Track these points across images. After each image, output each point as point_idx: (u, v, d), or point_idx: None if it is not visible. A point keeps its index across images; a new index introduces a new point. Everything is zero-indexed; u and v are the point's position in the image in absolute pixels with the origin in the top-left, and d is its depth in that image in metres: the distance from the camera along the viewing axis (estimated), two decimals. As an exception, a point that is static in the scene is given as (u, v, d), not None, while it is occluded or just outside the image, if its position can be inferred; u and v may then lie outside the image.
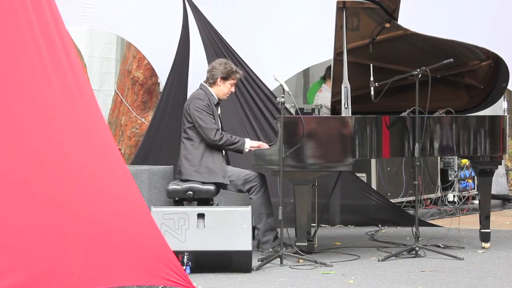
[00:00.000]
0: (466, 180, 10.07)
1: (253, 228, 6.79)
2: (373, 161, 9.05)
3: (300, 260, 6.43)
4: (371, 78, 6.83)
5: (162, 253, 4.83)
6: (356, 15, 6.99)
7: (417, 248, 6.64)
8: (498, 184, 10.47)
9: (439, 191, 9.78)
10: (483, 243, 7.11)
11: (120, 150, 9.14)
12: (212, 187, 6.74)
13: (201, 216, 6.14)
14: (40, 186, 4.48)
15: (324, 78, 9.54)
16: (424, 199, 9.51)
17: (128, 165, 7.47)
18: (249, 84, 8.04)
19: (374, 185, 9.06)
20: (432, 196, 9.72)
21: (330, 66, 8.60)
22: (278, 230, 6.54)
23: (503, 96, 7.49)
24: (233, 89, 7.03)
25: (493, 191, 8.65)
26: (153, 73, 9.36)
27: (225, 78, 6.91)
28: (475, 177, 9.37)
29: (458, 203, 9.77)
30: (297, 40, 8.39)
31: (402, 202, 9.23)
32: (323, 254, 6.82)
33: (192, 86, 7.69)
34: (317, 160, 6.61)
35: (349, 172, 7.79)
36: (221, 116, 7.07)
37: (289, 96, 6.57)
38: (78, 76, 4.72)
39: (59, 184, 4.53)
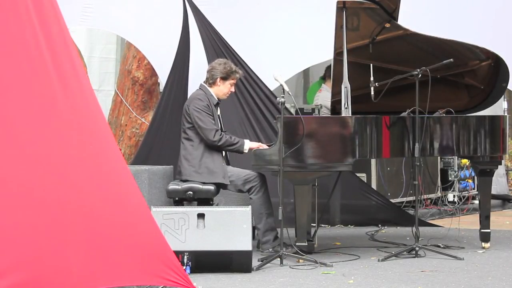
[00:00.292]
0: (466, 180, 10.07)
1: (253, 228, 6.79)
2: (373, 161, 9.05)
3: (300, 260, 6.43)
4: (371, 78, 6.84)
5: (162, 253, 4.83)
6: (356, 15, 6.99)
7: (417, 248, 6.64)
8: (498, 184, 10.47)
9: (439, 191, 9.78)
10: (483, 243, 7.11)
11: (120, 150, 9.13)
12: (212, 187, 6.74)
13: (201, 216, 6.14)
14: (40, 186, 4.48)
15: (323, 78, 9.54)
16: (424, 199, 9.51)
17: (128, 165, 7.45)
18: (249, 84, 8.04)
19: (374, 185, 9.06)
20: (432, 196, 9.72)
21: (329, 66, 8.62)
22: (278, 230, 6.54)
23: (503, 96, 7.49)
24: (233, 89, 7.03)
25: (493, 191, 8.65)
26: (153, 73, 9.36)
27: (224, 78, 6.91)
28: (475, 177, 9.37)
29: (458, 203, 9.77)
30: (297, 40, 8.39)
31: (402, 202, 9.23)
32: (323, 254, 6.82)
33: (192, 86, 7.69)
34: (317, 160, 6.61)
35: (349, 172, 7.79)
36: (221, 117, 7.08)
37: (289, 96, 6.57)
38: (80, 76, 4.72)
39: (59, 184, 4.53)
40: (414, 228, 6.70)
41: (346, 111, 6.76)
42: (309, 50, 8.42)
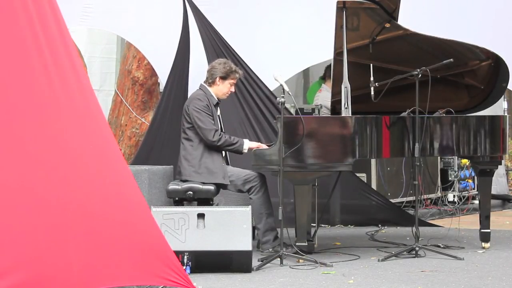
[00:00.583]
0: (466, 180, 10.07)
1: (253, 228, 6.79)
2: (373, 161, 9.05)
3: (300, 260, 6.43)
4: (371, 78, 6.84)
5: (162, 253, 4.83)
6: (356, 15, 6.99)
7: (417, 248, 6.64)
8: (498, 184, 10.48)
9: (439, 191, 9.78)
10: (483, 243, 7.11)
11: (120, 150, 9.13)
12: (212, 187, 6.74)
13: (201, 216, 6.14)
14: (40, 186, 4.48)
15: (323, 78, 9.54)
16: (424, 199, 9.51)
17: (128, 165, 7.46)
18: (249, 84, 8.04)
19: (374, 185, 9.06)
20: (432, 196, 9.72)
21: (329, 66, 8.63)
22: (278, 230, 6.54)
23: (503, 96, 7.49)
24: (232, 89, 7.02)
25: (493, 191, 8.65)
26: (153, 73, 9.35)
27: (224, 78, 6.91)
28: (475, 177, 9.36)
29: (458, 203, 9.77)
30: (297, 40, 8.39)
31: (402, 202, 9.23)
32: (323, 254, 6.82)
33: (192, 86, 7.69)
34: (317, 160, 6.61)
35: (349, 172, 7.79)
36: (221, 117, 7.07)
37: (289, 96, 6.57)
38: (80, 76, 4.72)
39: (60, 183, 4.53)
40: (414, 228, 6.70)
41: (346, 111, 6.76)
42: (309, 50, 8.41)
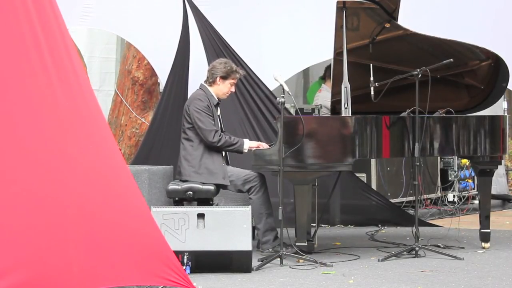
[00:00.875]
0: (466, 180, 10.07)
1: (253, 228, 6.79)
2: (373, 161, 9.05)
3: (300, 260, 6.43)
4: (371, 78, 6.84)
5: (162, 253, 4.83)
6: (356, 15, 6.99)
7: (417, 248, 6.64)
8: (498, 184, 10.47)
9: (439, 191, 9.78)
10: (483, 243, 7.11)
11: (120, 150, 9.13)
12: (212, 187, 6.74)
13: (201, 216, 6.14)
14: (40, 186, 4.48)
15: (323, 78, 9.54)
16: (424, 199, 9.51)
17: (128, 165, 7.46)
18: (249, 84, 8.04)
19: (374, 185, 9.06)
20: (432, 196, 9.72)
21: (329, 66, 8.64)
22: (278, 230, 6.54)
23: (503, 96, 7.49)
24: (233, 89, 7.02)
25: (493, 191, 8.65)
26: (153, 73, 9.35)
27: (224, 78, 6.90)
28: (475, 177, 9.36)
29: (458, 203, 9.77)
30: (297, 40, 8.39)
31: (402, 202, 9.23)
32: (323, 254, 6.82)
33: (192, 86, 7.69)
34: (317, 160, 6.61)
35: (349, 172, 7.79)
36: (221, 117, 7.07)
37: (289, 96, 6.57)
38: (79, 76, 4.72)
39: (60, 184, 4.52)
40: (414, 228, 6.70)
41: (346, 111, 6.76)
42: (309, 50, 8.42)
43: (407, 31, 7.04)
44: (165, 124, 8.21)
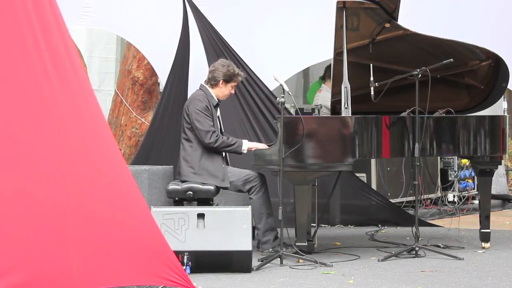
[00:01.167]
0: (466, 180, 10.07)
1: (253, 228, 6.79)
2: (373, 161, 9.05)
3: (300, 260, 6.43)
4: (371, 78, 6.84)
5: (162, 253, 4.83)
6: (356, 15, 6.99)
7: (417, 248, 6.64)
8: (498, 184, 10.47)
9: (439, 191, 9.78)
10: (483, 243, 7.11)
11: (120, 150, 9.12)
12: (212, 187, 6.74)
13: (201, 216, 6.14)
14: (40, 186, 4.48)
15: (323, 78, 9.54)
16: (424, 199, 9.51)
17: (128, 165, 7.45)
18: (249, 84, 8.04)
19: (374, 185, 9.06)
20: (432, 196, 9.72)
21: (329, 66, 8.64)
22: (278, 230, 6.54)
23: (503, 96, 7.49)
24: (233, 91, 7.02)
25: (493, 191, 8.65)
26: (153, 73, 9.35)
27: (227, 81, 6.89)
28: (475, 177, 9.36)
29: (458, 203, 9.77)
30: (297, 40, 8.38)
31: (402, 202, 9.23)
32: (323, 254, 6.82)
33: (192, 86, 7.69)
34: (317, 160, 6.61)
35: (349, 172, 7.79)
36: (221, 117, 7.07)
37: (289, 96, 6.57)
38: (79, 76, 4.72)
39: (59, 183, 4.52)
40: (414, 228, 6.69)
41: (346, 111, 6.76)
42: (309, 50, 8.41)
43: (407, 31, 7.04)
44: (165, 124, 8.21)
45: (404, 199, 9.28)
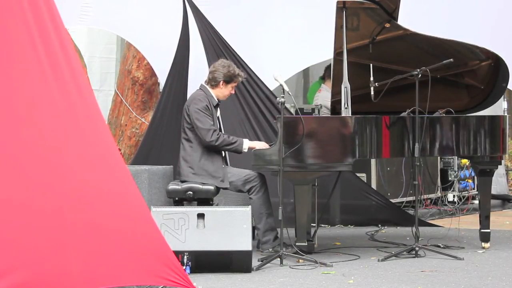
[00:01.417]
0: (466, 180, 10.07)
1: (253, 228, 6.79)
2: (373, 161, 9.05)
3: (300, 260, 6.43)
4: (371, 78, 6.84)
5: (162, 253, 4.83)
6: (356, 15, 6.99)
7: (417, 248, 6.64)
8: (498, 184, 10.47)
9: (439, 191, 9.78)
10: (483, 243, 7.11)
11: (120, 150, 9.14)
12: (212, 187, 6.74)
13: (201, 216, 6.14)
14: (40, 187, 4.48)
15: (323, 78, 9.54)
16: (424, 199, 9.51)
17: (128, 165, 7.46)
18: (249, 84, 8.04)
19: (374, 185, 9.06)
20: (432, 196, 9.72)
21: (329, 66, 8.64)
22: (278, 230, 6.54)
23: (503, 96, 7.49)
24: (233, 91, 7.02)
25: (493, 191, 8.65)
26: (153, 73, 9.35)
27: (227, 82, 6.89)
28: (475, 177, 9.36)
29: (458, 203, 9.77)
30: (297, 40, 8.39)
31: (402, 202, 9.23)
32: (323, 254, 6.82)
33: (192, 86, 7.69)
34: (317, 160, 6.61)
35: (349, 172, 7.79)
36: (221, 117, 7.07)
37: (289, 96, 6.57)
38: (77, 76, 4.71)
39: (59, 184, 4.52)
40: (414, 228, 6.69)
41: (346, 111, 6.76)
42: (309, 50, 8.41)
43: (407, 31, 7.04)
44: (165, 124, 8.21)
45: (404, 199, 9.28)
